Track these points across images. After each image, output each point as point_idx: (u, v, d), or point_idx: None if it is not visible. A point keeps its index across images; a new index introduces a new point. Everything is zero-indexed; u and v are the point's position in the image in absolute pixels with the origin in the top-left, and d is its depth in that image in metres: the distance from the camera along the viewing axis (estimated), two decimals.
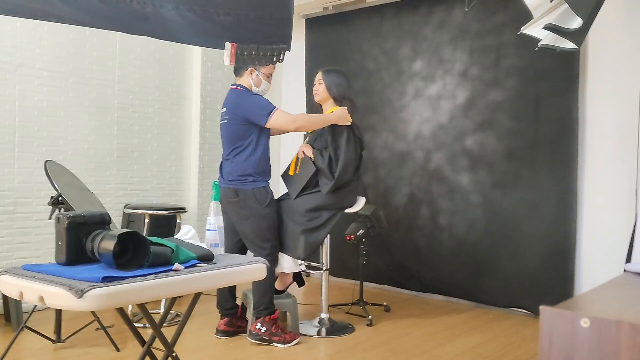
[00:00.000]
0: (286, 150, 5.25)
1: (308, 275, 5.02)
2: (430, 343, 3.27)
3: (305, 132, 3.70)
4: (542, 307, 0.66)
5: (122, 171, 4.27)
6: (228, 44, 2.28)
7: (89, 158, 4.05)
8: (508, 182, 4.00)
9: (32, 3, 1.71)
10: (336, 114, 3.28)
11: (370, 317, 3.63)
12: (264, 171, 3.22)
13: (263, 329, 3.13)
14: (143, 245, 1.66)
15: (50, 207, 2.93)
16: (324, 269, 3.51)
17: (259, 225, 3.17)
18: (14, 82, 3.63)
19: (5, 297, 3.37)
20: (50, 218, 2.93)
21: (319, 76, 3.48)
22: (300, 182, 3.30)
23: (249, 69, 3.20)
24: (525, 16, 2.91)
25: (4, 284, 1.62)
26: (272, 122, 3.12)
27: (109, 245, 1.59)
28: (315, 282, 4.52)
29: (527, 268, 3.90)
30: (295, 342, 3.17)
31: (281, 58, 1.92)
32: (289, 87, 5.43)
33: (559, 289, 3.75)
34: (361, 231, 3.74)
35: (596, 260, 3.72)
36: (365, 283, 4.01)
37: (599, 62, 3.72)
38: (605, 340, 0.59)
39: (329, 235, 3.46)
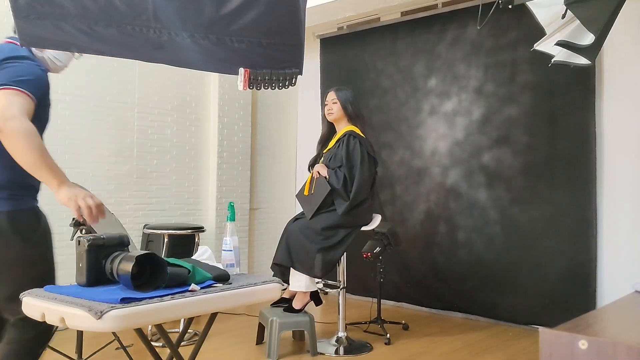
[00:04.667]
0: (301, 170, 5.29)
1: (325, 293, 5.00)
2: None
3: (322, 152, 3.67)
4: (541, 329, 0.67)
5: (142, 192, 4.35)
6: (242, 70, 2.32)
7: (109, 179, 4.13)
8: (525, 198, 3.97)
9: (53, 35, 1.77)
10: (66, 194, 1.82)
11: (388, 335, 3.61)
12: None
13: None
14: (160, 267, 1.69)
15: (72, 228, 3.00)
16: (341, 287, 3.52)
17: None
18: None
19: None
20: (71, 239, 2.99)
21: (332, 95, 3.51)
22: (315, 202, 3.32)
23: None
24: (539, 32, 2.91)
25: (26, 306, 1.67)
26: None
27: (127, 266, 1.63)
28: (333, 300, 4.51)
29: (547, 284, 3.85)
30: None
31: (293, 82, 1.97)
32: (304, 106, 5.48)
33: (581, 306, 3.69)
34: (378, 249, 3.73)
35: (619, 276, 3.65)
36: (383, 301, 3.99)
37: (615, 76, 3.69)
38: None
39: (345, 253, 3.47)
